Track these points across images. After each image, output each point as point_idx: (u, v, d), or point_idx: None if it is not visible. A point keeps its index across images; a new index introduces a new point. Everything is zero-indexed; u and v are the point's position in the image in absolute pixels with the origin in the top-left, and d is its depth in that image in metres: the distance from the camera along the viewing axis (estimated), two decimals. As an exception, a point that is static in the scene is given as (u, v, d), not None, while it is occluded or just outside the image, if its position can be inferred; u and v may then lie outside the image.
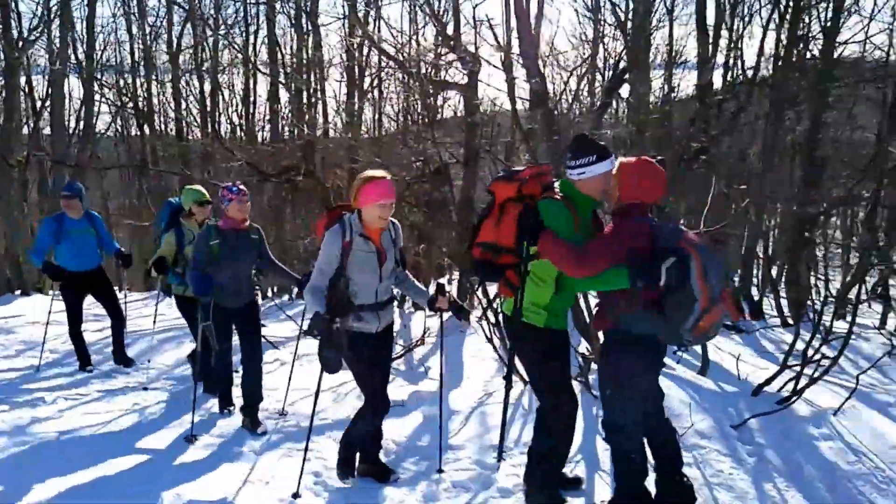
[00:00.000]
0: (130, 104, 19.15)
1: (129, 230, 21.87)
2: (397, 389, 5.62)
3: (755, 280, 12.28)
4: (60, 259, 6.38)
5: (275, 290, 14.27)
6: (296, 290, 11.56)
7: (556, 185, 3.37)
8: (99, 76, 17.75)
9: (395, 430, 4.70)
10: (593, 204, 3.37)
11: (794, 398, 5.04)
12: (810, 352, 5.40)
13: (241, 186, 4.87)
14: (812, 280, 11.19)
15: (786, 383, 5.23)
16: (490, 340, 6.17)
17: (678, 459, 3.54)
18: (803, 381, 5.12)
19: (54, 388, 6.05)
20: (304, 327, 3.76)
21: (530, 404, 4.98)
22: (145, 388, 6.02)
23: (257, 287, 5.45)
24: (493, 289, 6.18)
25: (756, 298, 11.38)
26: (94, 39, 16.53)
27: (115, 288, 6.83)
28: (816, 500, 3.83)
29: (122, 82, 19.49)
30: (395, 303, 4.05)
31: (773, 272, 11.86)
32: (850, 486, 4.00)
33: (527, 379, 4.20)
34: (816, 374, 5.20)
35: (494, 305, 6.21)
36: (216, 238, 4.74)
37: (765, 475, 4.05)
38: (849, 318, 6.40)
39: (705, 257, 2.94)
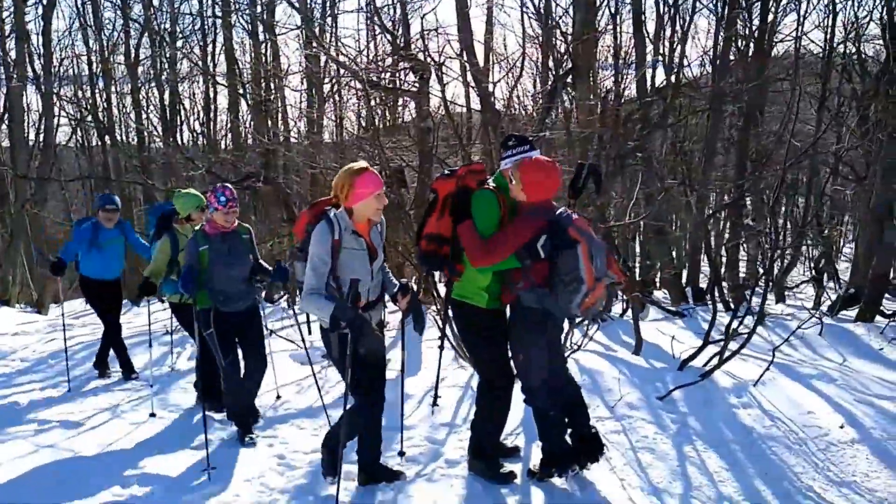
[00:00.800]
0: (90, 116, 19.14)
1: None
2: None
3: (701, 267, 12.94)
4: (86, 268, 6.57)
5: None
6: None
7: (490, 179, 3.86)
8: (57, 88, 17.75)
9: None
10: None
11: (714, 370, 5.57)
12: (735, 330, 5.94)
13: (228, 193, 4.64)
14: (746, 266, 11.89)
15: (710, 358, 5.77)
16: (442, 331, 6.60)
17: (585, 413, 4.03)
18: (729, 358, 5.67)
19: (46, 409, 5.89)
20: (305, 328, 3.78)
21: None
22: (153, 415, 5.50)
23: (261, 288, 5.19)
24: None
25: (703, 286, 12.07)
26: (52, 52, 16.55)
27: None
28: (731, 459, 4.30)
29: (80, 94, 19.47)
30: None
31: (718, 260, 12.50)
32: (764, 446, 4.48)
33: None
34: (739, 351, 5.77)
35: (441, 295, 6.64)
36: (204, 244, 4.62)
37: (686, 439, 4.53)
38: (763, 300, 6.93)
39: (591, 244, 3.45)
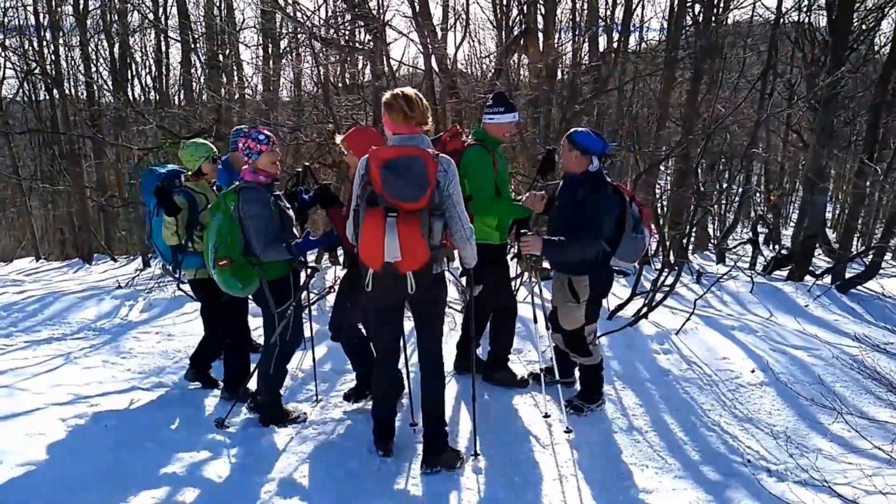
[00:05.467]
0: (38, 68, 18.57)
1: (42, 195, 21.45)
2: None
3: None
4: None
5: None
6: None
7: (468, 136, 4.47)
8: (3, 39, 17.18)
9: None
10: (500, 142, 4.48)
11: (639, 319, 5.97)
12: (663, 283, 6.33)
13: (266, 131, 3.99)
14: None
15: (639, 309, 6.15)
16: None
17: None
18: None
19: None
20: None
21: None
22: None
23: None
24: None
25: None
26: (-5, 2, 15.99)
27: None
28: (645, 397, 4.71)
29: (28, 45, 18.85)
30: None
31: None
32: (678, 387, 4.89)
33: None
34: (662, 302, 6.16)
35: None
36: (269, 196, 3.92)
37: (606, 379, 4.85)
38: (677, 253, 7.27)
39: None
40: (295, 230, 4.05)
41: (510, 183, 4.76)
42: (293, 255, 3.91)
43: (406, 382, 4.21)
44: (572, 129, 4.19)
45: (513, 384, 4.82)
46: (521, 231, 4.03)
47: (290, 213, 4.05)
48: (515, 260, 4.92)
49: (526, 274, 7.23)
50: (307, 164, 5.07)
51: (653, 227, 4.74)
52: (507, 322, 4.81)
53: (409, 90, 3.40)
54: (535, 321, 4.68)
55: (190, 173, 4.55)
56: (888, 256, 11.36)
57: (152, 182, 4.52)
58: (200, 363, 4.90)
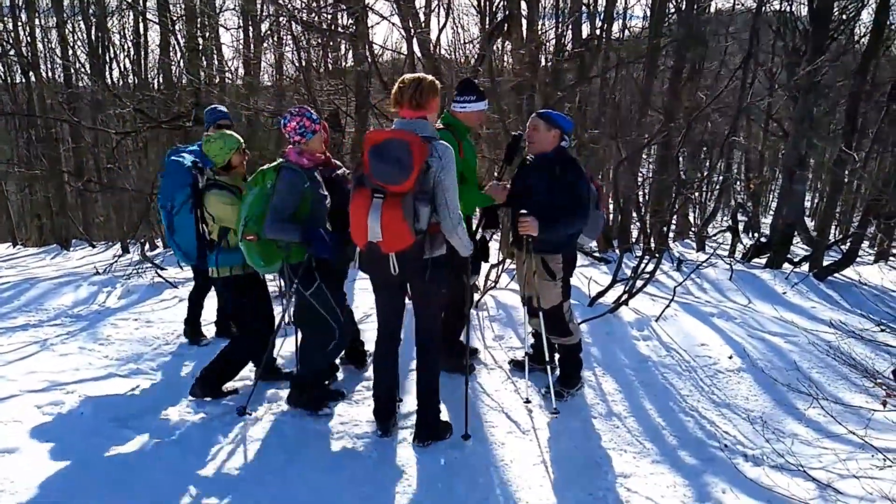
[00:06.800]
0: (12, 50, 18.20)
1: (19, 180, 21.10)
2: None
3: (633, 217, 13.48)
4: None
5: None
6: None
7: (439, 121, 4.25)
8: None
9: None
10: (468, 131, 4.40)
11: (619, 306, 6.00)
12: (643, 271, 6.36)
13: (313, 112, 3.95)
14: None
15: (619, 296, 6.18)
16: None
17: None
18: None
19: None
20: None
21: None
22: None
23: None
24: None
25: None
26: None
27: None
28: (624, 382, 4.74)
29: (2, 26, 18.45)
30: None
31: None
32: (657, 372, 4.93)
33: None
34: (642, 289, 6.20)
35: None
36: (305, 181, 3.83)
37: (586, 364, 4.85)
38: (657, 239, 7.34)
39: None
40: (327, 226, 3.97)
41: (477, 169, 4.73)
42: (304, 238, 3.78)
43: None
44: (543, 110, 4.24)
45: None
46: (521, 212, 4.01)
47: (327, 203, 3.94)
48: (506, 246, 4.90)
49: (508, 261, 7.25)
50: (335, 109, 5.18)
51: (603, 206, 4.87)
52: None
53: (410, 76, 3.46)
54: (524, 304, 4.55)
55: (217, 166, 4.22)
56: (865, 244, 11.52)
57: (184, 175, 4.34)
58: (217, 381, 4.46)
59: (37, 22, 18.35)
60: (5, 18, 18.43)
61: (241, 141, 4.29)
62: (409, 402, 4.23)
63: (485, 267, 5.98)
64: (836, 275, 8.86)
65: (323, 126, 4.00)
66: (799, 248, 12.50)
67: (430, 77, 3.48)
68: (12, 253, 15.32)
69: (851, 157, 9.01)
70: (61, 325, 6.37)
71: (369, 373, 4.84)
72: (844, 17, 11.58)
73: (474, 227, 4.66)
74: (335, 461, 3.66)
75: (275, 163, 3.94)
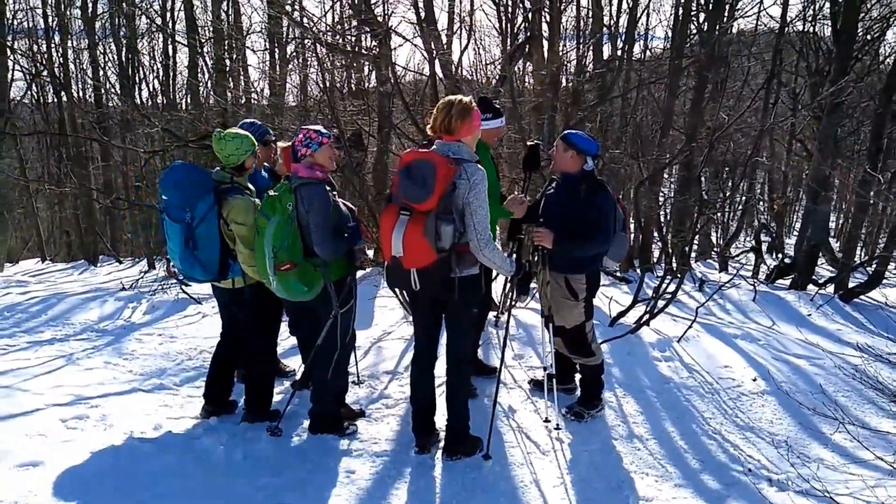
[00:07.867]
0: (46, 71, 18.66)
1: (49, 196, 21.51)
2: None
3: (654, 237, 13.40)
4: None
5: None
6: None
7: None
8: (11, 42, 17.25)
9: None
10: (487, 147, 4.49)
11: (640, 326, 5.96)
12: (665, 291, 6.32)
13: (322, 128, 3.87)
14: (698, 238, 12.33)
15: (640, 316, 6.15)
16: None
17: None
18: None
19: None
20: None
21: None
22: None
23: None
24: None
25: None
26: (5, 3, 16.06)
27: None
28: (646, 404, 4.70)
29: (36, 48, 18.94)
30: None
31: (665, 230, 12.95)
32: (679, 394, 4.88)
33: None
34: (663, 310, 6.15)
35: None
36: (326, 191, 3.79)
37: (607, 386, 4.86)
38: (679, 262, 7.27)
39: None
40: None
41: (499, 185, 4.79)
42: (352, 242, 3.86)
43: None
44: (565, 131, 4.25)
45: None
46: (536, 224, 4.09)
47: (346, 209, 3.92)
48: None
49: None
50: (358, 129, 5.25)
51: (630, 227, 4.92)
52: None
53: (444, 101, 3.57)
54: (543, 317, 4.48)
55: (230, 167, 4.05)
56: (892, 266, 11.33)
57: (203, 182, 3.94)
58: (262, 404, 4.37)
59: (69, 44, 18.82)
60: (39, 41, 18.93)
61: (256, 143, 4.16)
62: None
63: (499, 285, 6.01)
64: (861, 297, 8.73)
65: (332, 138, 3.86)
66: (824, 270, 12.32)
67: (463, 100, 3.51)
68: (41, 268, 15.60)
69: (876, 179, 8.89)
70: (87, 339, 6.47)
71: (389, 390, 4.88)
72: (869, 36, 11.50)
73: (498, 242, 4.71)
74: (354, 479, 3.67)
75: (282, 185, 3.83)
